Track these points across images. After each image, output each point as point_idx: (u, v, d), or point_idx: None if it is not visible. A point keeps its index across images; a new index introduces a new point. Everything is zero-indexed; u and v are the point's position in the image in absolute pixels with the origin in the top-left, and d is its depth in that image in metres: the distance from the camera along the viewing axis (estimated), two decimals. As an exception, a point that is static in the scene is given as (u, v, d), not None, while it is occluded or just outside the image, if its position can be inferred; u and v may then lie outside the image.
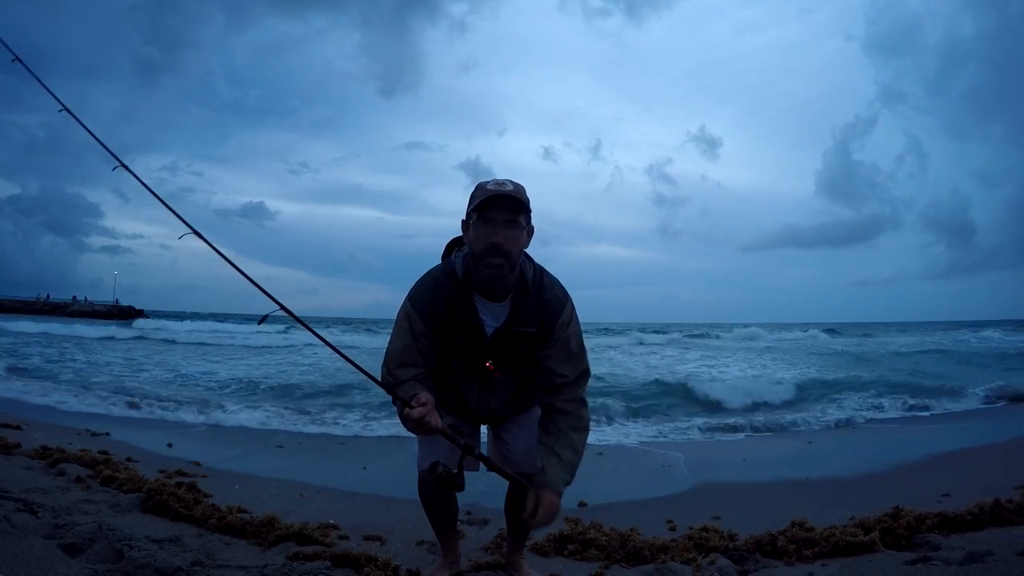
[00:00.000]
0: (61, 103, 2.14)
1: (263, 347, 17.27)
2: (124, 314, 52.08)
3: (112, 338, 19.89)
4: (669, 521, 2.94)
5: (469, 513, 2.99)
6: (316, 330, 1.90)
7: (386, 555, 2.19)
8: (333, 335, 20.66)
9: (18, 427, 4.44)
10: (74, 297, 60.96)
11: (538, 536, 2.47)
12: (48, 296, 58.24)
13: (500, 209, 1.66)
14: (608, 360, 14.97)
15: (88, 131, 2.09)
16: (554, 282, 1.84)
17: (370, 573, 2.04)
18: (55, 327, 22.10)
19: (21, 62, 2.21)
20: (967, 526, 2.44)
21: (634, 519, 2.88)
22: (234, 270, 1.82)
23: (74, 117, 2.12)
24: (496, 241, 1.65)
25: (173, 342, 19.39)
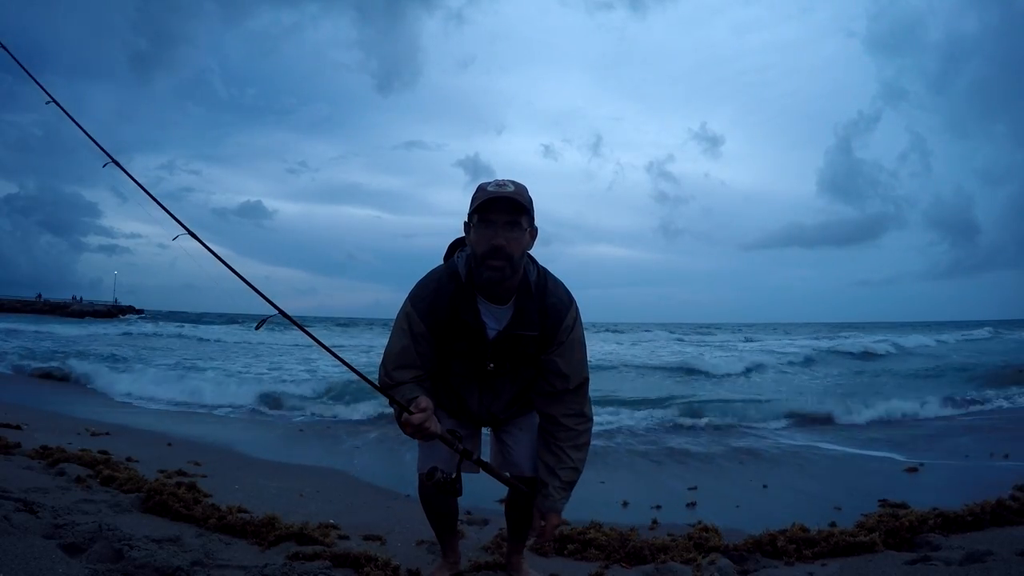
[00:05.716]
0: (48, 94, 2.00)
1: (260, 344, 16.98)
2: (124, 313, 52.06)
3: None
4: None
5: (469, 513, 2.98)
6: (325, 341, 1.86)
7: (386, 555, 2.19)
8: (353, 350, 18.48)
9: (18, 427, 4.43)
10: (73, 297, 60.87)
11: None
12: (40, 296, 57.76)
13: (501, 211, 1.63)
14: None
15: (75, 123, 1.95)
16: (558, 285, 1.81)
17: (370, 573, 2.04)
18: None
19: (3, 48, 2.04)
20: (967, 526, 2.45)
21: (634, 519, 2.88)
22: (229, 272, 1.72)
23: (60, 108, 1.98)
24: (497, 243, 1.63)
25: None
